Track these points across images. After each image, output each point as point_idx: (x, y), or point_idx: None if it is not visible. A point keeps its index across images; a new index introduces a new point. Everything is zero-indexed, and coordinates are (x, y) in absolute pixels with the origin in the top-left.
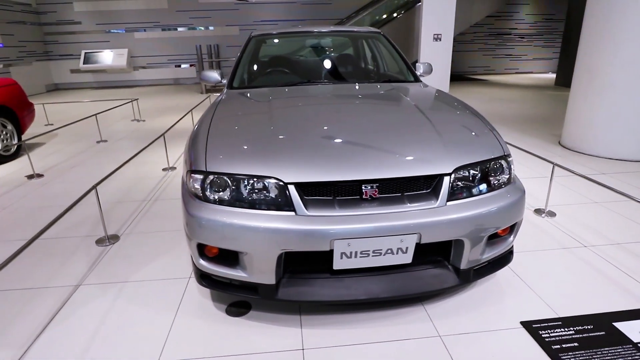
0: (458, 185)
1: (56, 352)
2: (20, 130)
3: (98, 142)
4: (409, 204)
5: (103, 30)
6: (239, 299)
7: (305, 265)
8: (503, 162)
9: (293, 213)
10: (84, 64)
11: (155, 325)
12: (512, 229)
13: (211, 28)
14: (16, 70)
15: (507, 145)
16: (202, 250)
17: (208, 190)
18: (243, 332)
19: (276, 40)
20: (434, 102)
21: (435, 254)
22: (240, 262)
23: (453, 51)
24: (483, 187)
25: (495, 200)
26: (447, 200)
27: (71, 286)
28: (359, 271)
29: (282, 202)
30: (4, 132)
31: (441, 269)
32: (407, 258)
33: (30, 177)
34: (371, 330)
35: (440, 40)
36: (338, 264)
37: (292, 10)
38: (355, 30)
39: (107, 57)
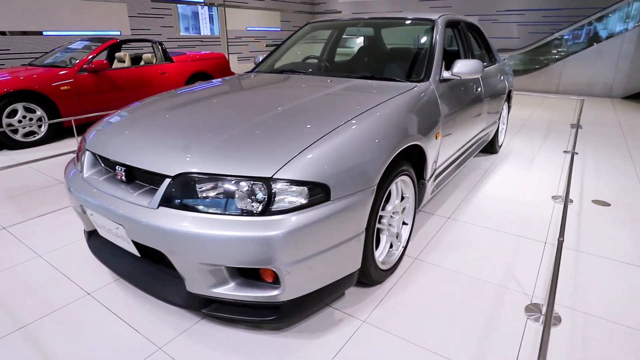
0: (192, 194)
1: (39, 228)
2: None
3: None
4: (133, 195)
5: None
6: None
7: None
8: (262, 186)
9: (82, 173)
10: None
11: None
12: (276, 279)
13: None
14: None
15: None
16: None
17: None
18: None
19: (327, 29)
20: (345, 108)
21: None
22: None
23: None
24: (233, 207)
25: (208, 225)
26: (164, 205)
27: None
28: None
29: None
30: None
31: (182, 281)
32: (132, 249)
33: None
34: (162, 307)
35: None
36: (99, 230)
37: None
38: (410, 17)
39: None
